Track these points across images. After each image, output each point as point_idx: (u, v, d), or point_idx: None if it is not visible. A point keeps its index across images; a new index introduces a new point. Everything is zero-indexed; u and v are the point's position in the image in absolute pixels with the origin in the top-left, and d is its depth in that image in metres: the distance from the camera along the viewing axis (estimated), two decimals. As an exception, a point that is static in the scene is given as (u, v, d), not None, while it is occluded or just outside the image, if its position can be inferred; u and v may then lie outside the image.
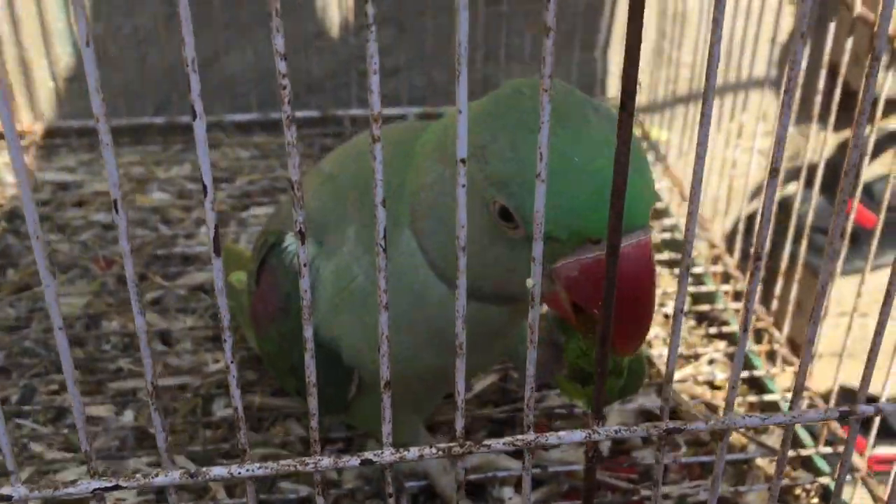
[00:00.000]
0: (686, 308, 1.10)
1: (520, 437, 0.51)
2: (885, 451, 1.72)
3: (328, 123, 1.39)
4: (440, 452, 0.50)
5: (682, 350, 1.04)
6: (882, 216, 0.86)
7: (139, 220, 1.22)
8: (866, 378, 0.52)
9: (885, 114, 0.95)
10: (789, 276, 1.01)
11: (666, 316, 1.09)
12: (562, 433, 0.51)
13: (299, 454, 0.91)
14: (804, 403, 0.97)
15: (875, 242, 0.87)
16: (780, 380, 1.01)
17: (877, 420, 0.88)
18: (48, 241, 1.18)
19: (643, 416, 0.95)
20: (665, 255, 1.18)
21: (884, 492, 0.87)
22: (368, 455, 0.50)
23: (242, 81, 1.39)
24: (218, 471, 0.49)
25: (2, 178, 1.28)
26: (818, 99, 0.95)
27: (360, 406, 0.78)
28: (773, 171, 0.45)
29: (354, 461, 0.50)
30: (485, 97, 0.63)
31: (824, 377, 1.26)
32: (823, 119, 0.98)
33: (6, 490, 0.48)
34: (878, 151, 1.47)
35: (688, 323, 1.09)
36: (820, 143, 0.96)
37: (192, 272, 1.14)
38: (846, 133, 1.51)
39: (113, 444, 0.91)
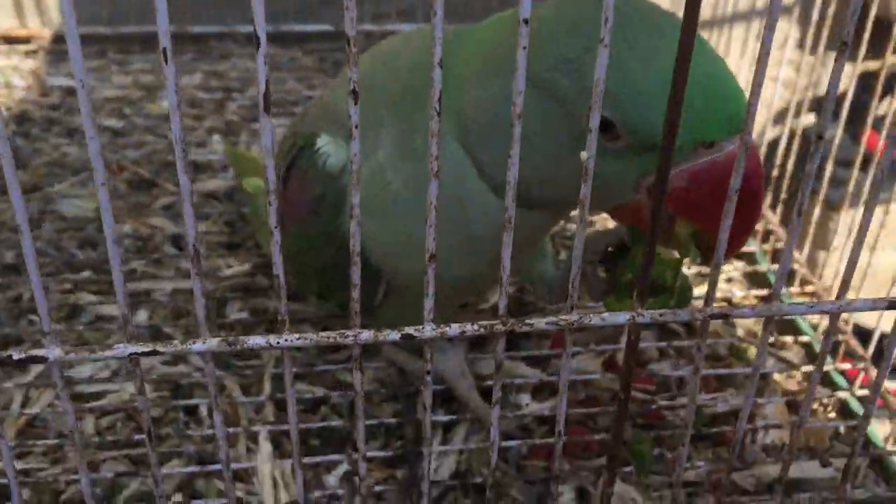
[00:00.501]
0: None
1: (563, 316, 0.50)
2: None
3: (341, 39, 1.36)
4: (483, 329, 0.49)
5: (700, 269, 1.03)
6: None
7: (149, 127, 1.20)
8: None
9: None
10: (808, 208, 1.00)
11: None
12: (605, 314, 0.50)
13: (314, 356, 0.90)
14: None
15: None
16: (798, 298, 1.01)
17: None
18: (56, 146, 1.16)
19: (661, 330, 0.95)
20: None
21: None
22: (409, 330, 0.49)
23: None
24: (256, 340, 0.48)
25: (11, 82, 1.25)
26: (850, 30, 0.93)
27: (386, 310, 0.77)
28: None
29: (395, 335, 0.49)
30: (549, 6, 0.61)
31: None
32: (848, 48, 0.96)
33: (41, 351, 0.47)
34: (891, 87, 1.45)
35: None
36: (844, 74, 0.94)
37: (205, 179, 1.12)
38: (871, 63, 1.49)
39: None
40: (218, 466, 0.78)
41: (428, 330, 0.49)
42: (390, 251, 0.71)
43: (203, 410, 0.84)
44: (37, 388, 0.85)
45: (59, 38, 1.34)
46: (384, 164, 0.68)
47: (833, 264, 1.53)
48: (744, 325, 0.97)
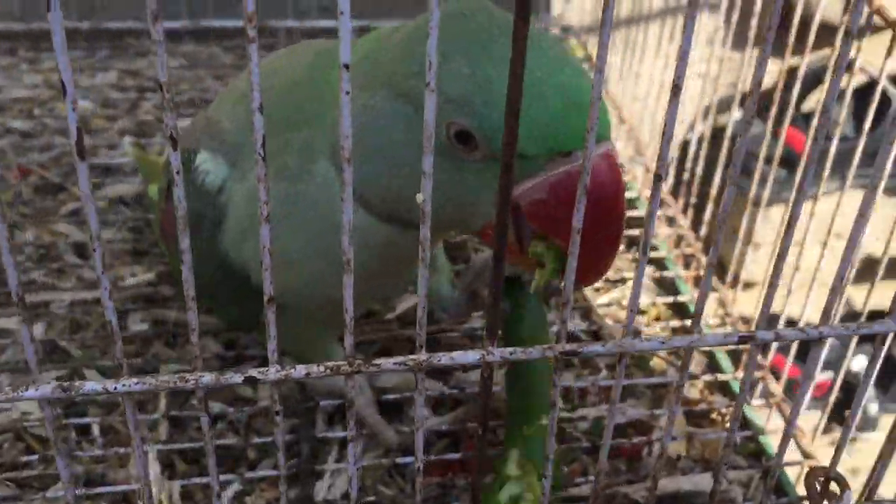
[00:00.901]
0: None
1: (411, 356, 0.49)
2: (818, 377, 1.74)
3: (262, 35, 1.34)
4: (328, 371, 0.48)
5: (608, 273, 1.03)
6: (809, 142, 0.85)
7: (60, 128, 1.18)
8: (766, 304, 0.51)
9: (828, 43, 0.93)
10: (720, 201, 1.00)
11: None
12: (455, 353, 0.49)
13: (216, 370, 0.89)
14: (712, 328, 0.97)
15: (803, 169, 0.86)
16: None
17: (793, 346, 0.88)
18: (-38, 148, 1.13)
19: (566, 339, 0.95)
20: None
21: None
22: (253, 373, 0.48)
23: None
24: (91, 386, 0.47)
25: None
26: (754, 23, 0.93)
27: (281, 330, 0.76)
28: (675, 89, 0.43)
29: (237, 378, 0.48)
30: (415, 22, 0.61)
31: (750, 304, 1.27)
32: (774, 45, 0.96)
33: None
34: (816, 81, 1.46)
35: (622, 252, 1.07)
36: (771, 71, 0.94)
37: (114, 184, 1.10)
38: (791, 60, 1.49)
39: (22, 356, 0.89)
40: (105, 489, 0.77)
41: (272, 372, 0.48)
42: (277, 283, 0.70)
43: (96, 430, 0.83)
44: (-77, 407, 0.83)
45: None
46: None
47: (759, 259, 1.54)
48: (648, 333, 0.97)
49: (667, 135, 0.45)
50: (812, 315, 0.82)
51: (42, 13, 1.30)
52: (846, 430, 0.59)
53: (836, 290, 0.51)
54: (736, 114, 1.12)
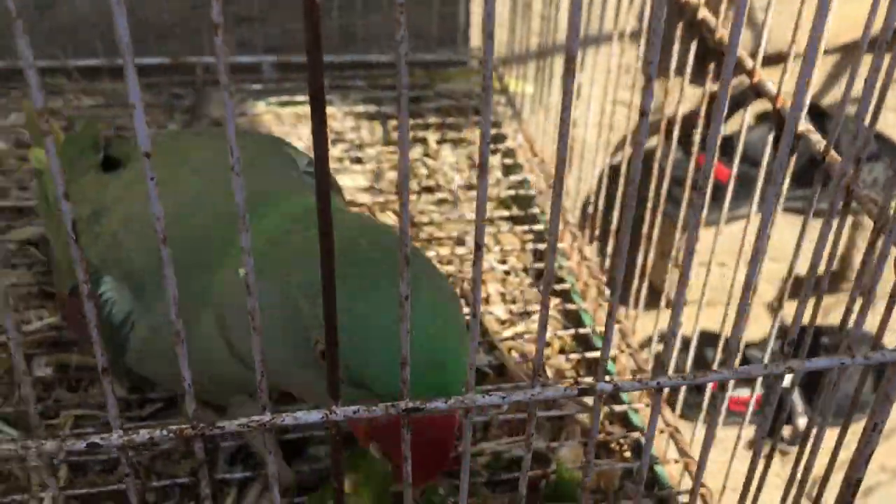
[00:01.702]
0: (523, 265, 1.11)
1: (255, 417, 0.50)
2: (742, 393, 1.78)
3: (179, 71, 1.35)
4: (171, 435, 0.49)
5: (514, 307, 1.05)
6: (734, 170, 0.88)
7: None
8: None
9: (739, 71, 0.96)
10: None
11: (506, 273, 1.10)
12: (299, 413, 0.51)
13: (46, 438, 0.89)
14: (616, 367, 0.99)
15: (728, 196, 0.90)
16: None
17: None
18: None
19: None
20: (511, 212, 1.18)
21: (685, 443, 0.90)
22: (95, 439, 0.49)
23: (87, 25, 1.34)
24: (-68, 457, 0.48)
25: None
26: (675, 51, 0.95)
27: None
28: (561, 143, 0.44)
29: (80, 444, 0.49)
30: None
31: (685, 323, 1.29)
32: (681, 72, 0.98)
33: None
34: (735, 106, 1.49)
35: (525, 279, 1.10)
36: (678, 97, 0.97)
37: (23, 226, 1.10)
38: (706, 86, 1.52)
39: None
40: (0, 538, 0.78)
41: (115, 437, 0.49)
42: (165, 380, 0.78)
43: (-7, 477, 0.83)
44: None
45: None
46: (161, 322, 0.70)
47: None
48: (553, 364, 0.99)
49: (555, 212, 0.46)
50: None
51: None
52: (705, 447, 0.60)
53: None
54: (655, 140, 1.14)
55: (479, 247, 0.47)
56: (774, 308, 0.83)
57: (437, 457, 0.58)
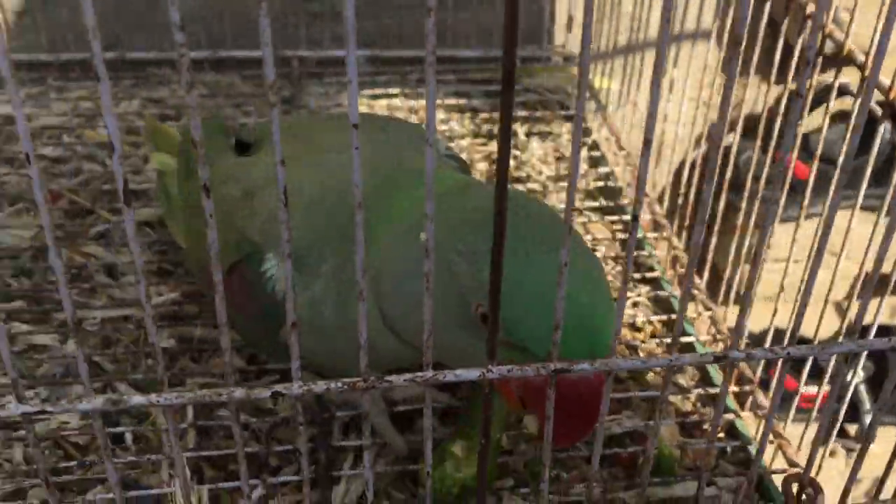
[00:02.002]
0: (614, 253, 1.15)
1: (419, 373, 0.55)
2: (812, 389, 1.80)
3: (276, 64, 1.40)
4: (345, 387, 0.54)
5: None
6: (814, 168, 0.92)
7: (87, 154, 1.24)
8: (740, 323, 0.57)
9: (823, 68, 0.99)
10: (724, 223, 1.06)
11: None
12: (459, 371, 0.55)
13: (236, 384, 0.95)
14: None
15: (808, 193, 0.93)
16: (698, 323, 1.07)
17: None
18: (-3, 174, 1.20)
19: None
20: (599, 203, 1.23)
21: (783, 428, 0.93)
22: (279, 388, 0.54)
23: (193, 19, 1.41)
24: (136, 399, 0.53)
25: (-49, 110, 1.29)
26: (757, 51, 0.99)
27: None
28: (646, 143, 0.49)
29: (265, 393, 0.54)
30: (478, 202, 0.67)
31: (759, 319, 1.32)
32: (763, 71, 1.02)
33: (-60, 413, 0.52)
34: (815, 104, 1.52)
35: (615, 268, 1.14)
36: (759, 95, 1.01)
37: (139, 207, 1.16)
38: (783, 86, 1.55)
39: (57, 370, 0.95)
40: (139, 492, 0.83)
41: (295, 388, 0.54)
42: (317, 359, 0.79)
43: (129, 438, 0.89)
44: (-32, 418, 0.89)
45: None
46: (320, 297, 0.74)
47: (763, 278, 1.59)
48: (645, 348, 1.03)
49: (640, 186, 0.51)
50: (807, 330, 0.88)
51: (68, 45, 1.37)
52: (817, 440, 0.65)
53: (803, 310, 0.57)
54: (730, 138, 1.18)
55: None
56: (844, 308, 0.86)
57: (584, 418, 0.62)
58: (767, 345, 0.78)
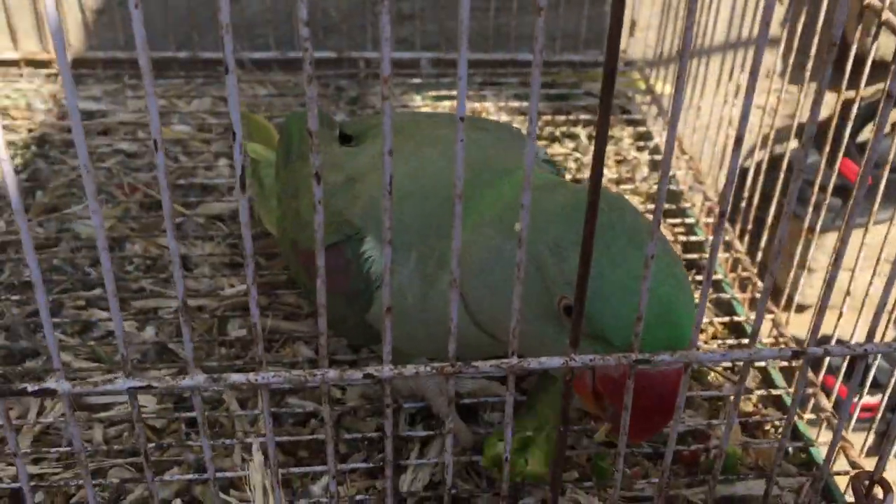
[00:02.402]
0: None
1: (504, 360, 0.57)
2: (870, 399, 1.79)
3: (343, 65, 1.44)
4: (434, 371, 0.57)
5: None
6: (885, 175, 0.92)
7: (164, 149, 1.28)
8: (817, 324, 0.58)
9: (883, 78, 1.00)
10: (775, 228, 1.07)
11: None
12: (543, 359, 0.57)
13: (306, 371, 0.98)
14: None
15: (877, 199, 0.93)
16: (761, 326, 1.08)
17: (849, 365, 0.95)
18: (73, 168, 1.24)
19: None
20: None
21: (846, 431, 0.94)
22: (370, 370, 0.56)
23: (261, 22, 1.44)
24: (237, 377, 0.56)
25: (32, 105, 1.34)
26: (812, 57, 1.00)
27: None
28: (737, 141, 0.50)
29: (357, 374, 0.56)
30: (571, 198, 0.69)
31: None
32: (834, 78, 1.02)
33: (51, 384, 0.55)
34: (875, 113, 1.51)
35: (677, 269, 1.15)
36: (827, 103, 1.01)
37: (211, 202, 1.20)
38: (846, 93, 1.54)
39: (135, 356, 0.99)
40: (216, 474, 0.86)
41: (386, 370, 0.56)
42: (398, 343, 0.79)
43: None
44: (52, 399, 0.93)
45: (76, 63, 1.42)
46: (406, 283, 0.77)
47: (813, 283, 1.59)
48: (706, 349, 1.04)
49: (730, 180, 0.52)
50: (862, 337, 0.89)
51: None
52: (889, 437, 0.65)
53: (881, 310, 0.58)
54: (793, 144, 1.18)
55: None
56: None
57: (661, 411, 0.63)
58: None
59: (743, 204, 1.13)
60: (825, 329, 1.05)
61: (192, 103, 1.38)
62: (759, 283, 1.10)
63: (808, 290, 1.62)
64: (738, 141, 0.50)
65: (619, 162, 1.32)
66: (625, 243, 0.63)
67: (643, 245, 0.63)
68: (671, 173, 1.28)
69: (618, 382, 0.62)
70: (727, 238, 1.16)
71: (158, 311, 1.04)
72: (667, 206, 1.23)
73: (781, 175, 1.09)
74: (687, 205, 1.21)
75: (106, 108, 1.36)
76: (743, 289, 1.12)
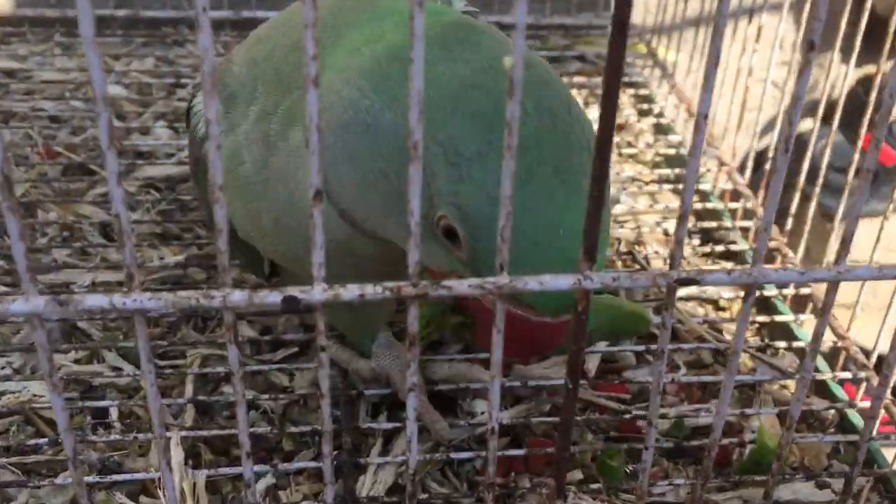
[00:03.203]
0: (691, 224, 0.99)
1: (490, 279, 0.39)
2: None
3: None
4: (388, 292, 0.39)
5: (685, 268, 0.93)
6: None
7: (90, 112, 1.10)
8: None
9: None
10: (800, 217, 0.91)
11: (666, 233, 0.98)
12: (545, 277, 0.40)
13: (246, 356, 0.80)
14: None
15: None
16: (791, 301, 0.91)
17: None
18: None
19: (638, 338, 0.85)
20: (668, 171, 1.07)
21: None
22: (293, 291, 0.38)
23: (214, -24, 1.27)
24: (94, 300, 0.38)
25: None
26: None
27: (288, 281, 0.72)
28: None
29: (275, 297, 0.38)
30: (484, 44, 0.52)
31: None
32: (846, 50, 0.86)
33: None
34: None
35: (692, 241, 0.98)
36: (840, 77, 0.86)
37: (145, 167, 1.02)
38: (869, 66, 1.39)
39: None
40: (123, 477, 0.68)
41: (317, 292, 0.39)
42: (246, 227, 0.65)
43: (114, 413, 0.74)
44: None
45: (2, 21, 1.25)
46: (241, 142, 0.61)
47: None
48: (732, 329, 0.87)
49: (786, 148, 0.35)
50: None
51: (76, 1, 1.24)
52: None
53: None
54: (808, 123, 1.03)
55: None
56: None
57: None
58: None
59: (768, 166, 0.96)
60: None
61: (130, 64, 1.21)
62: (790, 254, 0.92)
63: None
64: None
65: (620, 127, 1.15)
66: (550, 175, 0.47)
67: (574, 182, 0.47)
68: (679, 138, 1.11)
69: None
70: (748, 205, 0.99)
71: (71, 287, 0.86)
72: (676, 171, 1.06)
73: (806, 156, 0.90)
74: (702, 170, 1.05)
75: (31, 67, 1.18)
76: (769, 260, 0.95)
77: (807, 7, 0.94)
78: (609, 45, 0.34)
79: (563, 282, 0.40)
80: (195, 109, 0.69)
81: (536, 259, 0.46)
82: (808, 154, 0.89)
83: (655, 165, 1.10)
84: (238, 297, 0.38)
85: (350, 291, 0.39)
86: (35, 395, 0.75)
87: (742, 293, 0.88)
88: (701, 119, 0.38)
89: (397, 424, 0.73)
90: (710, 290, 0.90)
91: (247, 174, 0.61)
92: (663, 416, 0.76)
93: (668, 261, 0.90)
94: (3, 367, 0.78)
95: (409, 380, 0.41)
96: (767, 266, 0.41)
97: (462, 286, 0.39)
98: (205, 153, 0.65)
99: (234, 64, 0.66)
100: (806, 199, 0.90)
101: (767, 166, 0.95)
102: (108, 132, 0.34)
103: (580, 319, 0.40)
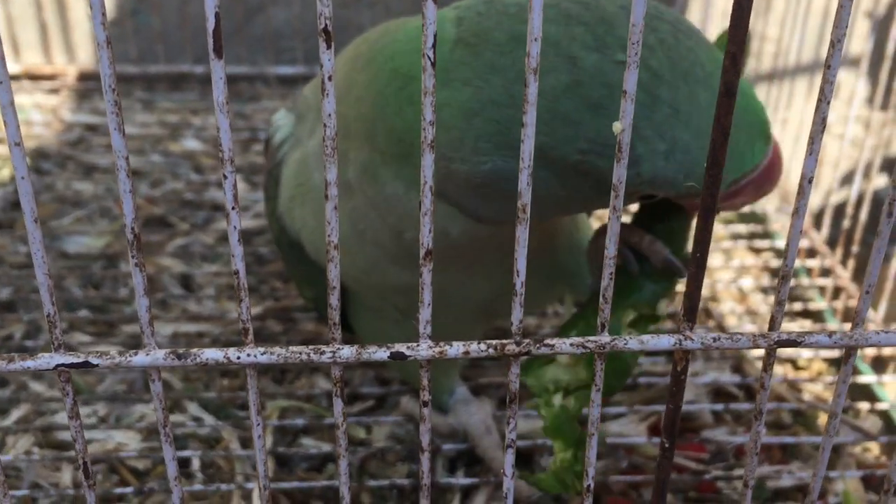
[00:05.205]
0: (767, 282, 0.98)
1: (591, 338, 0.40)
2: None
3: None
4: (491, 350, 0.39)
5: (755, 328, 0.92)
6: None
7: (170, 166, 1.14)
8: None
9: None
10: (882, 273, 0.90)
11: (741, 290, 0.98)
12: (646, 337, 0.40)
13: (323, 408, 0.81)
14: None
15: None
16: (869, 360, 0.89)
17: None
18: (67, 182, 1.10)
19: (715, 394, 0.84)
20: (742, 228, 1.07)
21: None
22: (401, 348, 0.39)
23: (288, 34, 1.31)
24: (211, 353, 0.39)
25: (29, 118, 1.21)
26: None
27: (360, 321, 0.72)
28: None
29: (383, 353, 0.39)
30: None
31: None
32: None
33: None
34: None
35: (768, 298, 0.97)
36: None
37: (221, 219, 1.05)
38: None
39: (120, 388, 0.82)
40: (204, 527, 0.69)
41: (423, 348, 0.39)
42: (318, 244, 0.64)
43: (195, 463, 0.75)
44: (14, 434, 0.76)
45: (84, 76, 1.30)
46: (311, 154, 0.63)
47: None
48: (812, 390, 0.86)
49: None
50: None
51: (157, 57, 1.28)
52: None
53: None
54: (881, 179, 1.02)
55: None
56: None
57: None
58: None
59: (846, 224, 0.95)
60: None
61: (207, 119, 1.24)
62: (873, 313, 0.91)
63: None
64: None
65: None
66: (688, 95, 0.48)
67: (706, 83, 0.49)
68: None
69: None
70: (825, 264, 0.98)
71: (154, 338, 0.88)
72: (751, 228, 1.06)
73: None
74: (776, 226, 1.04)
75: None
76: (846, 318, 0.94)
77: (885, 64, 0.93)
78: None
79: (664, 342, 0.40)
80: (276, 123, 0.70)
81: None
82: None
83: (728, 222, 1.09)
84: (347, 352, 0.39)
85: (455, 348, 0.39)
86: (120, 444, 0.76)
87: (822, 353, 0.87)
88: (805, 182, 0.38)
89: (475, 480, 0.73)
90: (788, 351, 0.89)
91: (319, 186, 0.61)
92: (740, 478, 0.74)
93: (746, 318, 0.89)
94: (88, 416, 0.79)
95: (508, 437, 0.42)
96: (868, 329, 0.41)
97: (564, 345, 0.40)
98: (280, 159, 0.67)
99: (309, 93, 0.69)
100: (886, 257, 0.90)
101: (845, 223, 0.94)
102: (232, 193, 0.35)
103: (678, 379, 0.41)
